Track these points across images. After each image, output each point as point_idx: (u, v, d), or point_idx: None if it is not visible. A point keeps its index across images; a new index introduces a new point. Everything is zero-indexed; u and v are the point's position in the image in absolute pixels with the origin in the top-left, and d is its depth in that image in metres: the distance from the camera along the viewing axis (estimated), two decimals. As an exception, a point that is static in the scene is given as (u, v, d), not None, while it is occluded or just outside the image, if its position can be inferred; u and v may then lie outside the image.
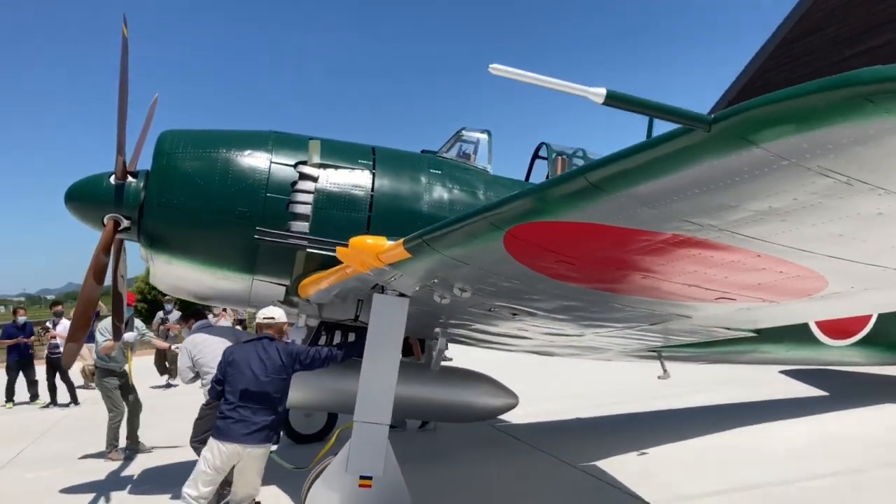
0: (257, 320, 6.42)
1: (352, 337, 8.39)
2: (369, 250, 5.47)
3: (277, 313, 6.46)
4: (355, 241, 5.64)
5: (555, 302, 5.19)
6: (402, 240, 4.96)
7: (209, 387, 6.41)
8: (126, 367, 9.73)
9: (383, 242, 5.35)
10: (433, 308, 6.12)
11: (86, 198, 7.62)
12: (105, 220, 7.43)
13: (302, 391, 7.91)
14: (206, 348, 7.26)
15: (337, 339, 8.48)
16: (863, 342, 9.64)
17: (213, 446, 5.83)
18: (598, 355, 9.08)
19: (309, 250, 7.39)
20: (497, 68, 2.27)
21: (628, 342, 7.21)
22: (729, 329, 6.50)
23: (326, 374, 7.64)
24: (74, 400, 14.88)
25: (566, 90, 2.27)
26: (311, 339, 8.31)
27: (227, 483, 6.18)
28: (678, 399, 11.38)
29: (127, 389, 9.68)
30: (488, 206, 3.73)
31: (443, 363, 8.62)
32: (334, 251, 5.93)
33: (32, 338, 15.89)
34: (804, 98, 2.05)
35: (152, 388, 15.78)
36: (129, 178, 7.65)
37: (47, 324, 16.86)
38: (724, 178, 2.47)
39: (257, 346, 6.08)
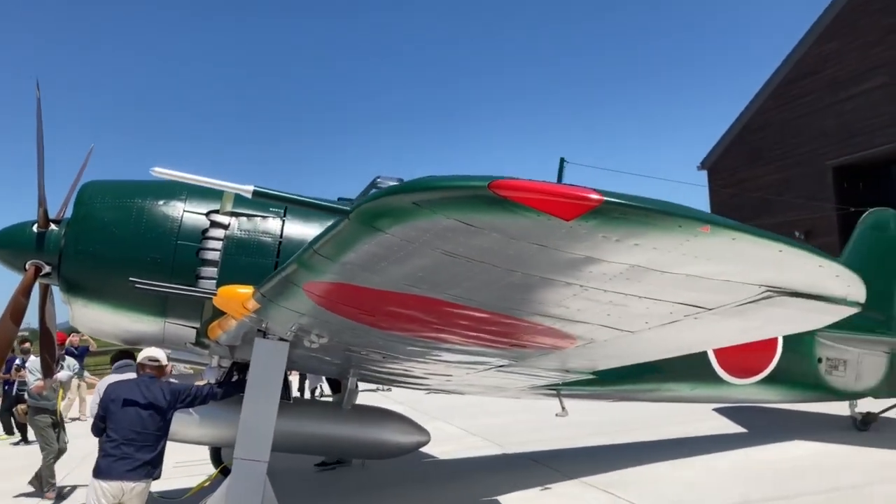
0: (139, 360, 6.80)
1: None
2: (236, 299, 5.95)
3: (160, 355, 6.85)
4: (224, 290, 6.12)
5: (399, 346, 5.63)
6: (252, 290, 5.43)
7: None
8: (57, 406, 10.10)
9: (248, 291, 5.80)
10: (307, 350, 6.57)
11: (9, 245, 8.07)
12: (27, 266, 7.87)
13: (216, 429, 8.31)
14: None
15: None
16: (766, 381, 9.97)
17: (96, 486, 6.02)
18: (501, 394, 9.46)
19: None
20: (158, 171, 2.74)
21: (507, 381, 7.62)
22: (568, 371, 6.91)
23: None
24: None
25: (219, 187, 2.74)
26: (224, 379, 8.70)
27: None
28: (582, 439, 11.84)
29: (57, 428, 10.04)
30: (284, 265, 4.19)
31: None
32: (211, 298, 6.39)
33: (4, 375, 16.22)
34: (382, 199, 2.52)
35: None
36: (52, 226, 8.12)
37: (17, 362, 17.19)
38: (392, 254, 2.93)
39: (140, 384, 6.44)
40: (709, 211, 33.57)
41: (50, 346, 8.95)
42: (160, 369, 6.77)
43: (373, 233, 2.75)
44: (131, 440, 6.10)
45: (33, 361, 10.18)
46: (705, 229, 2.50)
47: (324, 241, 3.22)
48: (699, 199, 33.19)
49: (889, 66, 26.00)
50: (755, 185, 31.27)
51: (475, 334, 4.41)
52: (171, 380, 7.19)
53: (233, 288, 6.05)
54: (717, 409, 13.11)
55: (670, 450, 10.62)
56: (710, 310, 3.42)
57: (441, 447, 11.68)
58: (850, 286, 3.28)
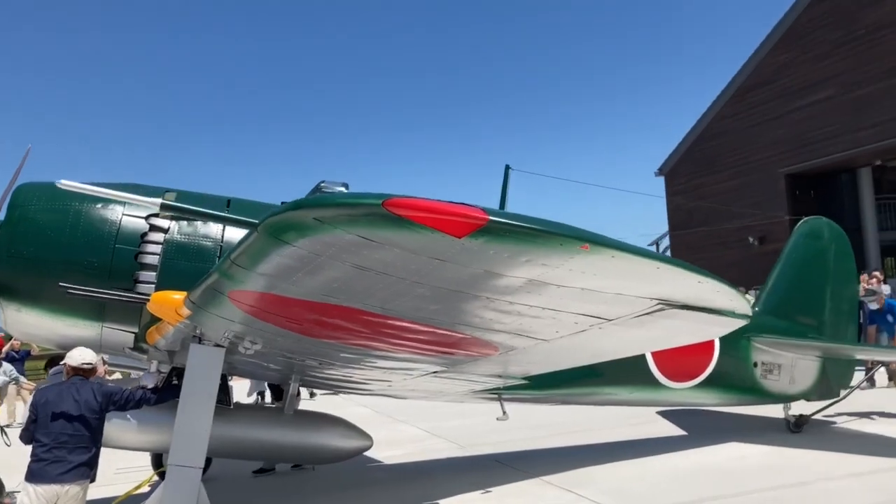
0: (68, 363, 6.68)
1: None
2: (169, 304, 5.92)
3: (90, 355, 6.74)
4: (157, 295, 6.09)
5: (332, 353, 5.68)
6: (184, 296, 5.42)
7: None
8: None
9: (181, 297, 5.77)
10: (243, 356, 6.57)
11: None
12: None
13: (156, 435, 8.20)
14: None
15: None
16: (704, 384, 10.22)
17: (29, 491, 5.91)
18: (445, 398, 9.55)
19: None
20: (64, 183, 2.76)
21: (446, 386, 7.71)
22: (502, 377, 7.03)
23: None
24: None
25: (126, 200, 2.77)
26: (163, 384, 8.61)
27: None
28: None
29: None
30: (207, 273, 4.22)
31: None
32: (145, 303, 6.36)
33: None
34: (286, 214, 2.60)
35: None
36: (-15, 230, 7.95)
37: None
38: (304, 265, 3.00)
39: (70, 388, 6.32)
40: (666, 217, 34.26)
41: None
42: (91, 370, 6.68)
43: (281, 245, 2.83)
44: (63, 443, 6.01)
45: None
46: (584, 247, 2.62)
47: (238, 251, 3.28)
48: (658, 204, 33.74)
49: (837, 78, 27.01)
50: (712, 190, 32.14)
51: (400, 342, 4.49)
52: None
53: (166, 293, 6.03)
54: (660, 412, 13.36)
55: (626, 450, 10.78)
56: (610, 321, 3.55)
57: (403, 449, 11.77)
58: (731, 300, 3.41)
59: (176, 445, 6.47)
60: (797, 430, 11.25)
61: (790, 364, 10.86)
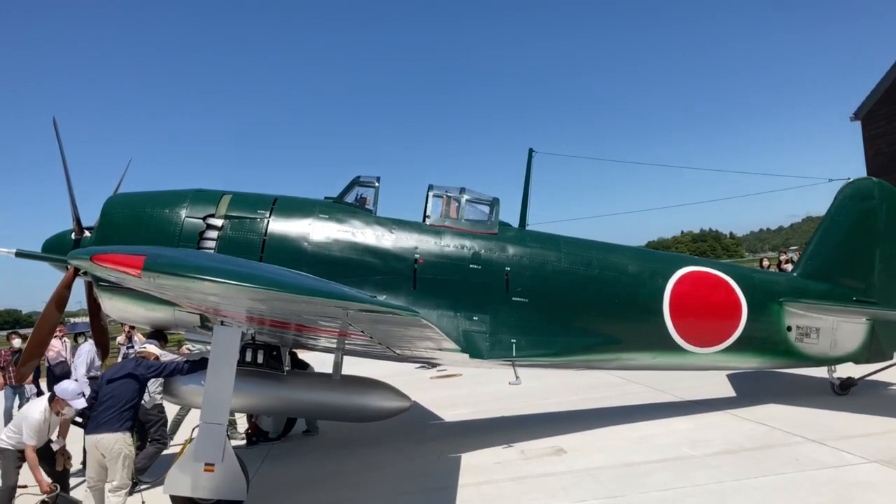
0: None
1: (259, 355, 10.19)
2: (179, 297, 7.44)
3: (150, 347, 8.59)
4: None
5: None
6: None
7: None
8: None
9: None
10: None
11: (53, 250, 10.01)
12: (67, 266, 9.75)
13: (247, 399, 9.76)
14: None
15: (248, 356, 10.15)
16: (731, 349, 10.45)
17: (84, 439, 7.88)
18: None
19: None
20: None
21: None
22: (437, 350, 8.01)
23: (267, 386, 9.62)
24: None
25: None
26: (191, 360, 10.10)
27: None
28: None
29: None
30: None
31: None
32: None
33: None
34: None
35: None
36: (86, 233, 9.97)
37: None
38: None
39: (126, 365, 8.21)
40: (864, 164, 31.49)
41: (100, 332, 10.87)
42: (147, 356, 8.55)
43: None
44: (104, 402, 7.82)
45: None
46: (210, 284, 3.61)
47: None
48: (855, 151, 31.02)
49: None
50: (920, 133, 29.15)
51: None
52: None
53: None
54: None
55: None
56: (342, 320, 4.44)
57: (608, 392, 13.59)
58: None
59: (205, 407, 8.01)
60: (843, 393, 11.07)
61: (831, 327, 10.70)
